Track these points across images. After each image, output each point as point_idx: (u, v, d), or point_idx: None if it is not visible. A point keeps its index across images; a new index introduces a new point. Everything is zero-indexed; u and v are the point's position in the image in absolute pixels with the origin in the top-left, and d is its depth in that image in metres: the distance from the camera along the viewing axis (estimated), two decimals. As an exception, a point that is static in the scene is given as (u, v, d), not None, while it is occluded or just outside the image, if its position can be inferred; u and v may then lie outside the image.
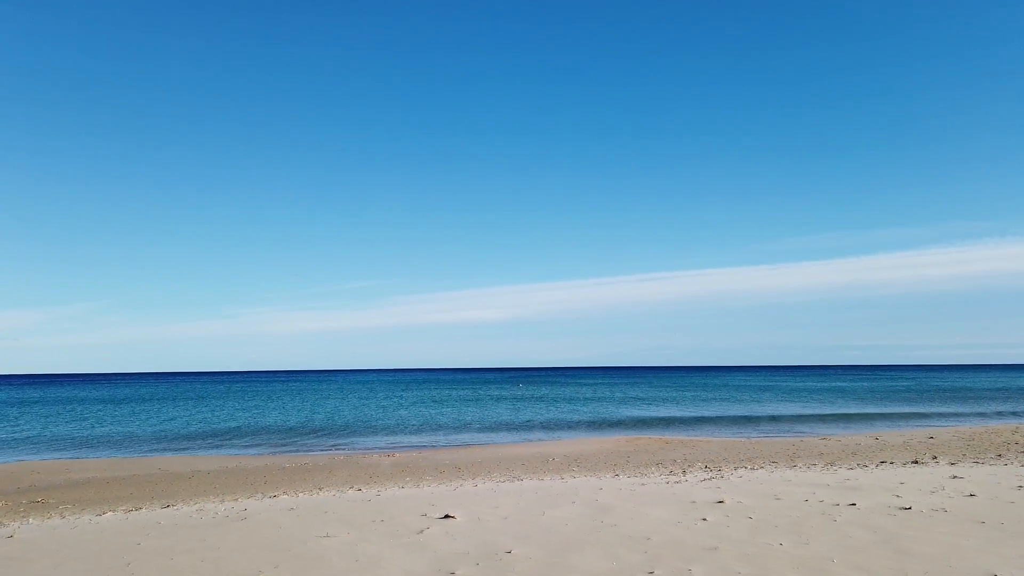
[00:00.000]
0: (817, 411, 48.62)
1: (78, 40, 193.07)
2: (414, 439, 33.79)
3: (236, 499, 15.74)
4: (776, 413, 47.22)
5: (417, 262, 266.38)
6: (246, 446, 32.17)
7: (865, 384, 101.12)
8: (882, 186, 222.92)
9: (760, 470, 17.94)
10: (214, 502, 15.35)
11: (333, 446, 31.48)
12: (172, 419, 47.81)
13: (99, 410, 58.68)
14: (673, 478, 16.47)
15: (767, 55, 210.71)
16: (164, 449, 31.19)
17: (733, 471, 17.89)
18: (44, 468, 24.20)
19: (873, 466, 18.05)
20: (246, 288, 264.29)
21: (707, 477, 15.74)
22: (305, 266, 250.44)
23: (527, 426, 39.73)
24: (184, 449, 31.02)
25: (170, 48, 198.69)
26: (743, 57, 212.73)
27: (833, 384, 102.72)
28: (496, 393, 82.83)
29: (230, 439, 35.04)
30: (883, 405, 54.12)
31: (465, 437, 34.48)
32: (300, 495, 15.98)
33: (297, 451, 29.89)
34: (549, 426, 39.49)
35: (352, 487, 17.49)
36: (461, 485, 16.58)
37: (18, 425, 44.24)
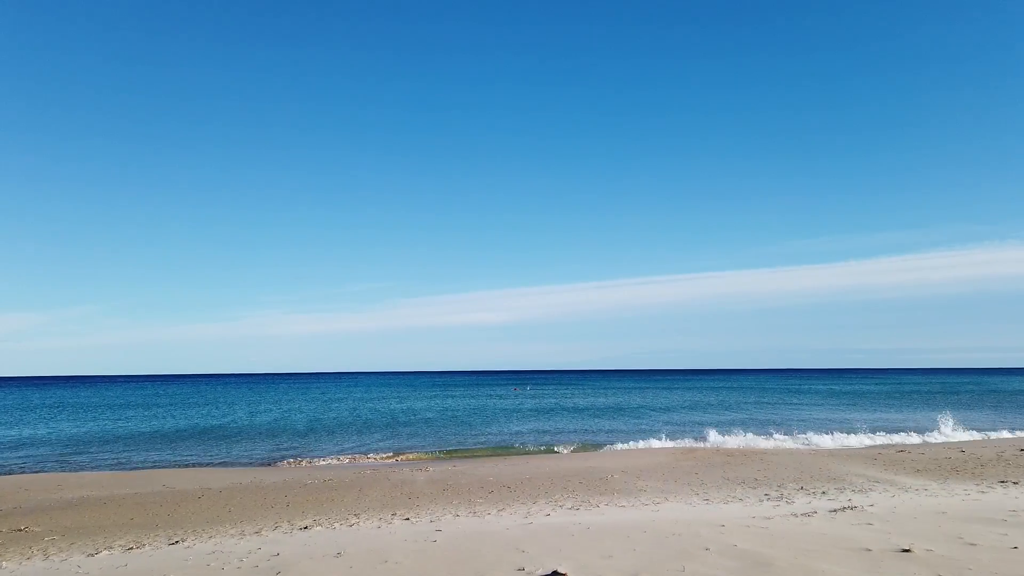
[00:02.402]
0: (855, 415, 45.66)
1: (82, 42, 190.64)
2: (433, 445, 30.93)
3: (259, 531, 12.92)
4: (818, 417, 44.25)
5: (418, 265, 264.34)
6: (256, 454, 29.35)
7: (885, 387, 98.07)
8: (884, 189, 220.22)
9: (896, 494, 15.07)
10: (233, 536, 12.53)
11: (350, 454, 28.63)
12: (176, 424, 45.02)
13: (100, 415, 55.95)
14: (788, 506, 13.62)
15: (771, 59, 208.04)
16: (168, 459, 28.38)
17: (857, 494, 15.03)
18: (35, 483, 21.39)
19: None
20: (248, 291, 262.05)
21: (839, 506, 12.87)
22: (306, 269, 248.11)
23: (556, 433, 36.84)
24: (190, 457, 28.20)
25: (173, 51, 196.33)
26: (746, 61, 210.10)
27: (854, 387, 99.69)
28: (506, 396, 79.95)
29: (238, 445, 32.23)
30: (919, 409, 51.18)
31: (490, 443, 31.62)
32: (336, 526, 13.15)
33: (312, 459, 27.07)
34: (581, 433, 36.62)
35: (395, 513, 14.66)
36: (530, 514, 13.74)
37: (14, 430, 41.48)
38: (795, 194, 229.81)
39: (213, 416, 51.90)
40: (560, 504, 15.13)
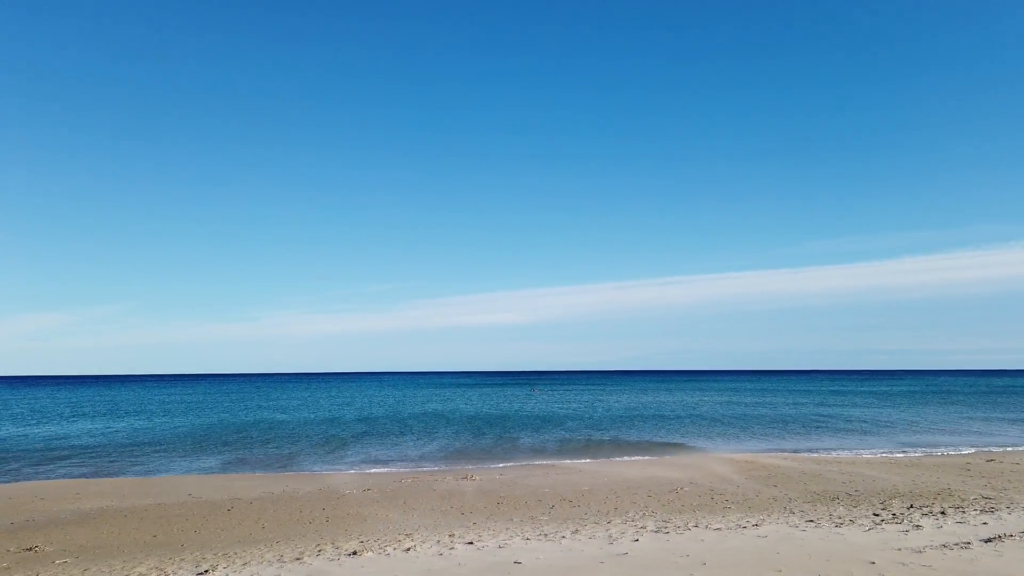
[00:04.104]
0: (904, 416, 43.10)
1: (98, 41, 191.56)
2: (471, 450, 29.04)
3: (301, 557, 11.08)
4: (867, 419, 41.73)
5: (436, 265, 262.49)
6: (286, 459, 27.65)
7: (920, 388, 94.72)
8: (906, 189, 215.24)
9: None
10: (271, 563, 10.70)
11: (384, 460, 26.81)
12: (200, 425, 43.59)
13: (123, 416, 54.87)
14: (920, 532, 11.51)
15: (792, 60, 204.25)
16: (194, 464, 26.74)
17: (985, 514, 12.88)
18: (52, 491, 19.79)
19: None
20: (269, 291, 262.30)
21: (991, 534, 10.76)
22: (325, 269, 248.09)
23: (590, 439, 34.76)
24: (216, 461, 26.51)
25: (196, 51, 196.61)
26: (766, 62, 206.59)
27: (891, 388, 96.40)
28: (531, 398, 77.99)
29: (266, 448, 30.56)
30: (969, 411, 48.44)
31: (526, 448, 29.66)
32: (389, 551, 11.27)
33: (345, 465, 25.29)
34: (617, 441, 34.44)
35: (452, 534, 12.76)
36: (612, 538, 11.76)
37: (36, 430, 40.26)
38: (816, 194, 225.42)
39: (238, 417, 50.50)
40: (640, 525, 13.14)
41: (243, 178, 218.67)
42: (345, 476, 22.89)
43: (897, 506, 14.90)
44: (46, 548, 12.79)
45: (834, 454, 27.11)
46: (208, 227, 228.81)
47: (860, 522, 12.90)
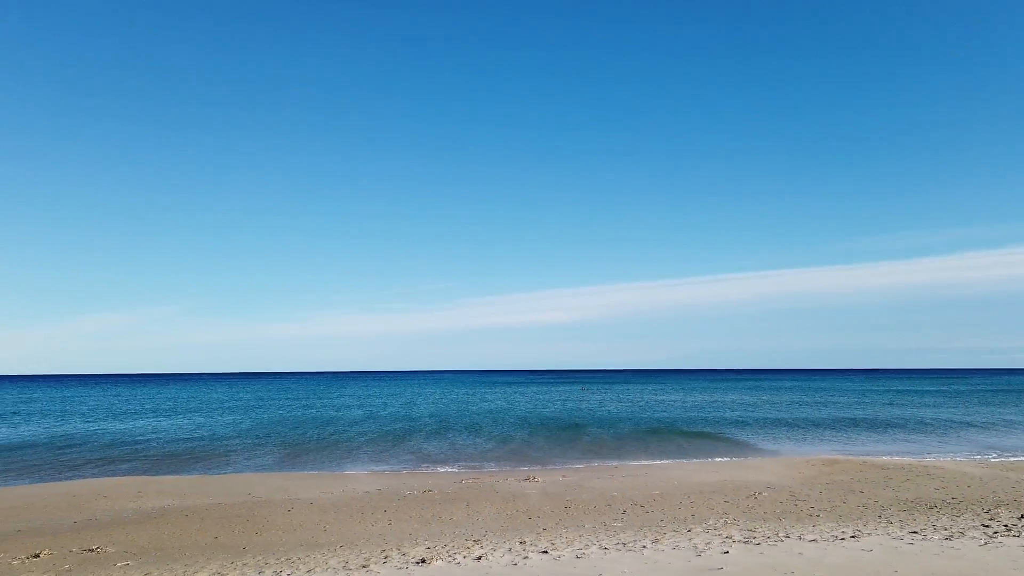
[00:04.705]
0: (976, 416, 40.60)
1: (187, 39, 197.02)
2: (529, 450, 28.28)
3: (367, 564, 10.47)
4: (950, 420, 39.46)
5: (481, 264, 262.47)
6: (342, 456, 27.39)
7: (984, 387, 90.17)
8: (966, 182, 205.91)
9: None
10: (337, 571, 10.12)
11: (441, 458, 26.27)
12: (258, 422, 43.94)
13: (182, 412, 55.90)
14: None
15: (849, 55, 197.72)
16: (252, 459, 26.67)
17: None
18: (114, 489, 19.77)
19: None
20: (320, 291, 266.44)
21: None
22: (371, 269, 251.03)
23: (650, 440, 33.59)
24: (273, 458, 26.38)
25: (256, 57, 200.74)
26: (830, 59, 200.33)
27: (966, 387, 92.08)
28: (582, 396, 76.85)
29: (321, 445, 30.38)
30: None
31: (585, 448, 28.73)
32: (459, 559, 10.58)
33: (401, 463, 24.84)
34: (679, 442, 33.22)
35: (523, 541, 12.00)
36: (699, 549, 10.83)
37: (103, 425, 41.11)
38: (869, 188, 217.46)
39: (293, 415, 50.85)
40: (725, 535, 12.17)
41: (291, 181, 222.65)
42: (403, 476, 22.40)
43: (1007, 516, 13.56)
44: (107, 549, 12.50)
45: (914, 457, 25.51)
46: (258, 229, 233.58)
47: (971, 534, 11.68)
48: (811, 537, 11.72)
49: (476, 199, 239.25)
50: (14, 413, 54.89)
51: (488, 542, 12.10)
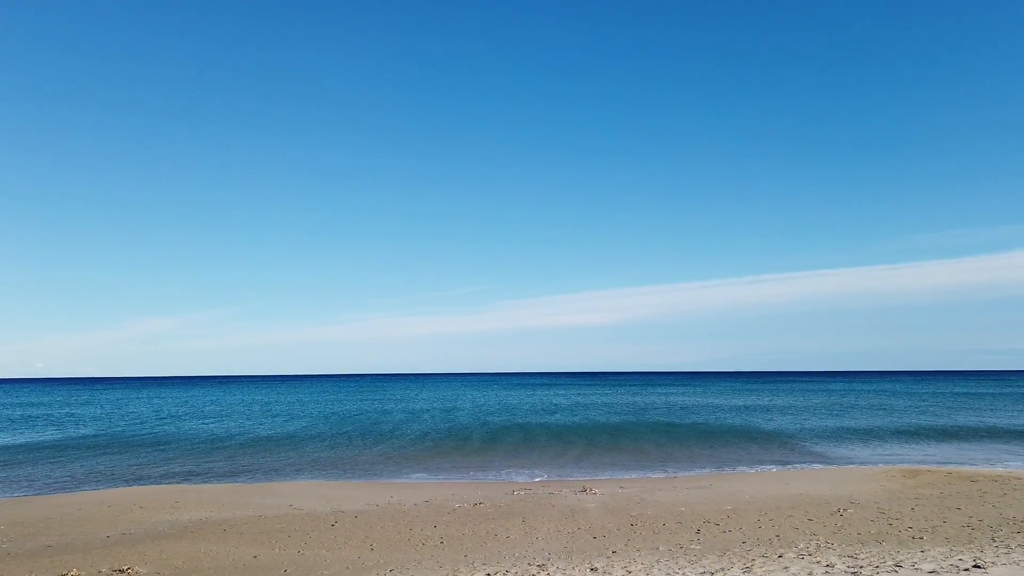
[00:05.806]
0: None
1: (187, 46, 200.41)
2: (580, 457, 26.90)
3: (422, 595, 9.24)
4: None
5: (522, 265, 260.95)
6: (386, 464, 26.36)
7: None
8: (1016, 178, 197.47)
9: None
10: (388, 603, 8.90)
11: (484, 465, 25.05)
12: (300, 427, 43.29)
13: (225, 416, 55.73)
14: None
15: (897, 54, 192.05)
16: (294, 466, 25.77)
17: None
18: (150, 498, 18.95)
19: None
20: (361, 294, 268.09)
21: None
22: (413, 271, 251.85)
23: (706, 447, 31.84)
24: (316, 462, 25.45)
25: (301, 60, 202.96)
26: (869, 60, 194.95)
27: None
28: (618, 398, 74.92)
29: (364, 452, 29.43)
30: None
31: (639, 456, 27.22)
32: (525, 590, 9.28)
33: (447, 472, 23.68)
34: (737, 450, 31.45)
35: (594, 567, 10.66)
36: (804, 581, 9.37)
37: (148, 429, 40.88)
38: (916, 185, 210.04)
39: (334, 419, 50.18)
40: (826, 562, 10.66)
41: (332, 185, 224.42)
42: (450, 486, 21.21)
43: None
44: (139, 569, 11.50)
45: (1002, 467, 23.47)
46: (302, 233, 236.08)
47: (1121, 566, 9.98)
48: (929, 568, 10.14)
49: (513, 203, 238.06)
50: (69, 415, 55.33)
51: (554, 567, 10.80)
